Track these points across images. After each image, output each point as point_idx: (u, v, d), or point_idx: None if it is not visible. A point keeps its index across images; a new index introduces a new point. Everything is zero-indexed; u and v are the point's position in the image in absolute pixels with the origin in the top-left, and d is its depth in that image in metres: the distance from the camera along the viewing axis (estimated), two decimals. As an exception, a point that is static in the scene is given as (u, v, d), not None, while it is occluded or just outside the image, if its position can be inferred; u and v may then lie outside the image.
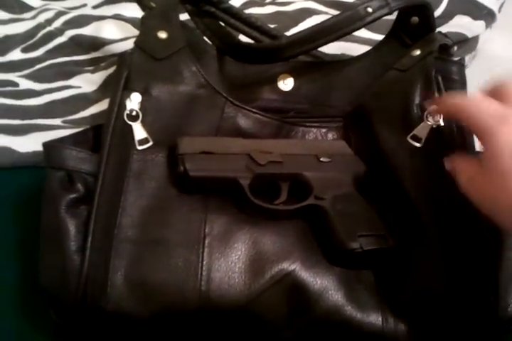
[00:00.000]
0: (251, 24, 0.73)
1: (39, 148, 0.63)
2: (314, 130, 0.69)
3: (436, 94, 0.62)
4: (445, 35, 0.68)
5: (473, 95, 0.54)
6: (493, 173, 0.48)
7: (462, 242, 0.56)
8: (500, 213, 0.49)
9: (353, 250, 0.56)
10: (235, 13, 0.72)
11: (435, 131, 0.60)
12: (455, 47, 0.68)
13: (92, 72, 0.84)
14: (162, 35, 0.64)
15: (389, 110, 0.64)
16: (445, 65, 0.64)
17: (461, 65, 0.65)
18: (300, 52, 0.68)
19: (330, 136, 0.69)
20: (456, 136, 0.60)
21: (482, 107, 0.51)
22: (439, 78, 0.63)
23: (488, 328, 0.55)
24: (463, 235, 0.56)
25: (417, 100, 0.62)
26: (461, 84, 0.64)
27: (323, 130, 0.69)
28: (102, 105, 0.80)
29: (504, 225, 0.49)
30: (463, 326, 0.55)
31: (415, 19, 0.69)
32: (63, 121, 0.79)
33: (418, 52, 0.66)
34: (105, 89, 0.82)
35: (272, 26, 0.79)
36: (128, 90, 0.62)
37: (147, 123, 0.61)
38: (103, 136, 0.61)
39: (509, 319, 0.55)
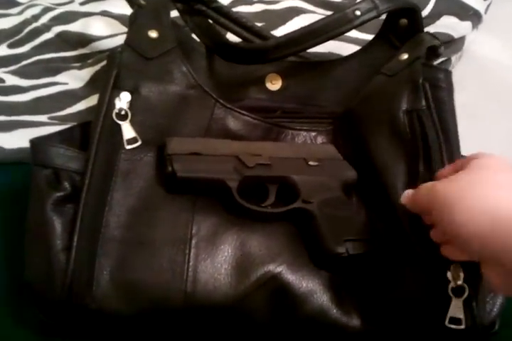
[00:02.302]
0: (241, 24, 0.73)
1: (24, 144, 0.63)
2: (304, 133, 0.69)
3: (424, 102, 0.62)
4: (433, 35, 0.68)
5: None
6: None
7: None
8: None
9: (339, 254, 0.56)
10: (226, 13, 0.72)
11: (423, 135, 0.61)
12: (442, 48, 0.67)
13: (79, 68, 0.84)
14: (153, 34, 0.64)
15: (376, 116, 0.65)
16: (432, 71, 0.64)
17: (449, 72, 0.65)
18: (288, 54, 0.68)
19: (319, 139, 0.69)
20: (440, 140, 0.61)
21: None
22: (427, 85, 0.63)
23: (470, 333, 0.55)
24: None
25: (403, 107, 0.63)
26: (448, 92, 0.64)
27: (313, 133, 0.69)
28: (89, 102, 0.80)
29: None
30: (444, 332, 0.55)
31: (404, 21, 0.69)
32: (49, 118, 0.79)
33: (406, 56, 0.66)
34: (92, 85, 0.82)
35: (260, 24, 0.80)
36: (117, 89, 0.61)
37: (136, 123, 0.61)
38: (91, 134, 0.60)
39: (490, 323, 0.56)
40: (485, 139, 0.69)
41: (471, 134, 0.63)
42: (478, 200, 0.46)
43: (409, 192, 0.55)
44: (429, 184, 0.52)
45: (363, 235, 0.58)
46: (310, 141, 0.69)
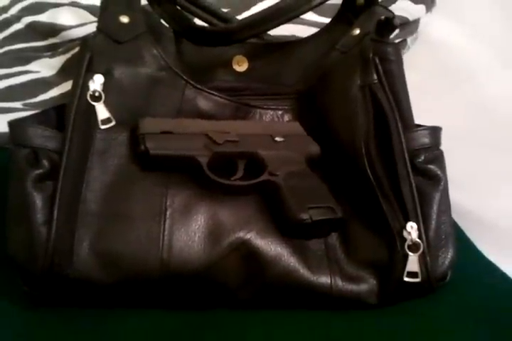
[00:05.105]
0: (211, 12, 0.77)
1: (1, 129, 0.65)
2: (271, 112, 0.73)
3: (375, 76, 0.65)
4: (385, 7, 0.71)
5: None
6: None
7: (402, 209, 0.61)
8: None
9: (303, 220, 0.60)
10: (197, 2, 0.75)
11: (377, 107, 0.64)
12: (396, 20, 0.70)
13: (51, 57, 0.86)
14: (124, 19, 0.67)
15: (334, 91, 0.68)
16: (382, 46, 0.67)
17: (397, 45, 0.69)
18: (251, 35, 0.71)
19: (286, 117, 0.73)
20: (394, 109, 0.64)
21: None
22: (377, 60, 0.66)
23: (425, 285, 0.60)
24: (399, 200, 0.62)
25: (357, 83, 0.66)
26: (398, 64, 0.67)
27: (280, 112, 0.73)
28: (62, 88, 0.83)
29: None
30: (402, 286, 0.60)
31: (360, 0, 0.72)
32: (23, 104, 0.81)
33: (357, 31, 0.69)
34: (64, 73, 0.84)
35: (226, 10, 0.82)
36: (91, 72, 0.64)
37: (110, 104, 0.64)
38: (67, 115, 0.62)
39: (442, 275, 0.62)
40: (437, 114, 0.73)
41: (424, 109, 0.68)
42: None
43: None
44: None
45: (326, 203, 0.62)
46: (277, 119, 0.72)
